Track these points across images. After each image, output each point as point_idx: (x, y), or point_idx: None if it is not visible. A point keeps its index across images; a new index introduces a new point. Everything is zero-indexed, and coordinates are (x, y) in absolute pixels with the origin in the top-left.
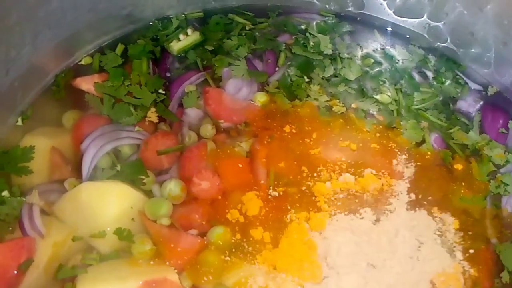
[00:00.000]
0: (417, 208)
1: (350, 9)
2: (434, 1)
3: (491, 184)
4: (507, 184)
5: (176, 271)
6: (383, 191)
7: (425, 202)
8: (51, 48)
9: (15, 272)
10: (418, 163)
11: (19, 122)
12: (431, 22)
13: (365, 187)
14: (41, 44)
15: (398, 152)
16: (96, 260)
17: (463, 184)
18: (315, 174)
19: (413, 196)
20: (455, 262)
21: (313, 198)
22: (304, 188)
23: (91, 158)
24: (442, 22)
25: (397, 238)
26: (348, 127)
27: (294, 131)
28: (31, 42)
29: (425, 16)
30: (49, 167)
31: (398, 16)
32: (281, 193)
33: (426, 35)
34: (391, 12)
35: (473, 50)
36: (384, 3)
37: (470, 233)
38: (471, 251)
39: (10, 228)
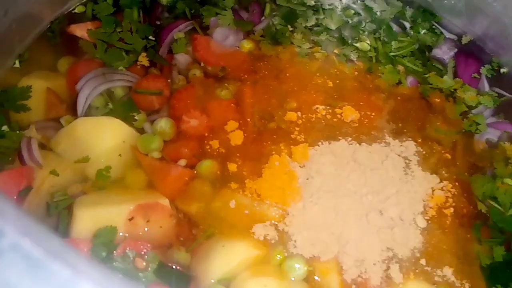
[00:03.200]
0: (399, 136)
1: None
2: None
3: (464, 122)
4: (479, 124)
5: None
6: (363, 122)
7: (405, 130)
8: None
9: (15, 197)
10: (398, 98)
11: (17, 64)
12: None
13: (344, 118)
14: None
15: (377, 90)
16: (91, 189)
17: (440, 117)
18: (286, 106)
19: (393, 125)
20: (442, 184)
21: (289, 129)
22: (279, 121)
23: (86, 97)
24: None
25: (387, 161)
26: (327, 66)
27: (274, 72)
28: None
29: None
30: (45, 106)
31: None
32: (262, 128)
33: None
34: None
35: (446, 1)
36: None
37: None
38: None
39: (10, 159)
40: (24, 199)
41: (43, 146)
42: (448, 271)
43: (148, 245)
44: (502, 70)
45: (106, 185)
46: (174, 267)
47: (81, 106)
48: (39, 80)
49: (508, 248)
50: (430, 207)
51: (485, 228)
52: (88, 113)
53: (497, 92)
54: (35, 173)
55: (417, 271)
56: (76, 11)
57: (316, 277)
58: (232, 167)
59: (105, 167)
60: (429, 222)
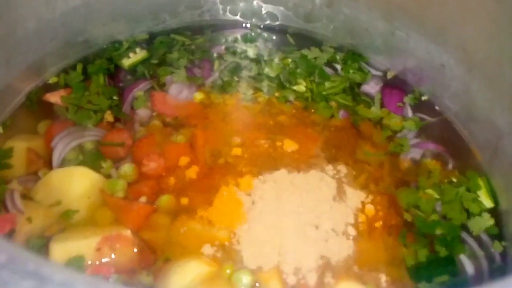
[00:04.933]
0: (333, 161)
1: (267, 22)
2: (327, 6)
3: (390, 145)
4: (403, 145)
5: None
6: (302, 152)
7: (338, 156)
8: (22, 70)
9: None
10: (332, 129)
11: (0, 130)
12: (330, 24)
13: (284, 149)
14: (14, 67)
15: (313, 124)
16: (66, 228)
17: (368, 142)
18: (232, 143)
19: (328, 152)
20: (371, 198)
21: (235, 163)
22: (226, 156)
23: (60, 152)
24: (339, 23)
25: (321, 183)
26: (268, 107)
27: (221, 115)
28: (5, 65)
29: (324, 20)
30: (26, 163)
31: (306, 23)
32: (212, 164)
33: (331, 36)
34: (299, 20)
35: (368, 42)
36: (291, 13)
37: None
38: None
39: None
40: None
41: (24, 196)
42: (377, 274)
43: (112, 269)
44: (423, 98)
45: (72, 223)
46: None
47: (56, 160)
48: (20, 142)
49: (431, 250)
50: (361, 220)
51: (410, 234)
52: (62, 165)
53: (419, 117)
54: (17, 219)
55: (349, 275)
56: (50, 81)
57: (259, 285)
58: (186, 200)
59: (72, 210)
60: (360, 232)
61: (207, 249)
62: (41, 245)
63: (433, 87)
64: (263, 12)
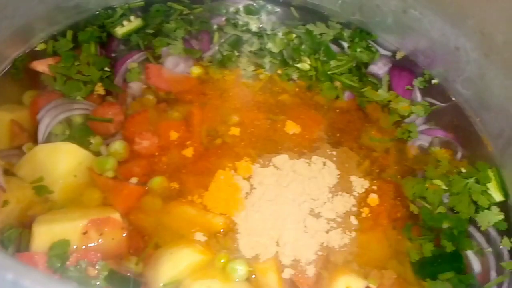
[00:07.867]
0: (337, 145)
1: None
2: None
3: (397, 131)
4: (411, 131)
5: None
6: (304, 135)
7: (343, 140)
8: (8, 35)
9: None
10: (337, 110)
11: None
12: None
13: (285, 131)
14: None
15: (317, 105)
16: (51, 208)
17: (374, 127)
18: (229, 122)
19: (332, 136)
20: (375, 187)
21: (234, 144)
22: (223, 136)
23: (46, 126)
24: None
25: (324, 169)
26: (269, 85)
27: (219, 92)
28: None
29: None
30: (9, 136)
31: None
32: (209, 144)
33: (339, 11)
34: None
35: (378, 19)
36: None
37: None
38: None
39: None
40: None
41: (7, 172)
42: (380, 269)
43: (99, 254)
44: (433, 81)
45: (57, 203)
46: (126, 274)
47: (41, 134)
48: (3, 113)
49: (437, 244)
50: (364, 211)
51: (416, 227)
52: (48, 140)
53: (429, 102)
54: None
55: (350, 268)
56: (37, 48)
57: (255, 276)
58: (181, 182)
59: (48, 187)
60: (363, 224)
61: (200, 236)
62: (23, 225)
63: (445, 70)
64: None
